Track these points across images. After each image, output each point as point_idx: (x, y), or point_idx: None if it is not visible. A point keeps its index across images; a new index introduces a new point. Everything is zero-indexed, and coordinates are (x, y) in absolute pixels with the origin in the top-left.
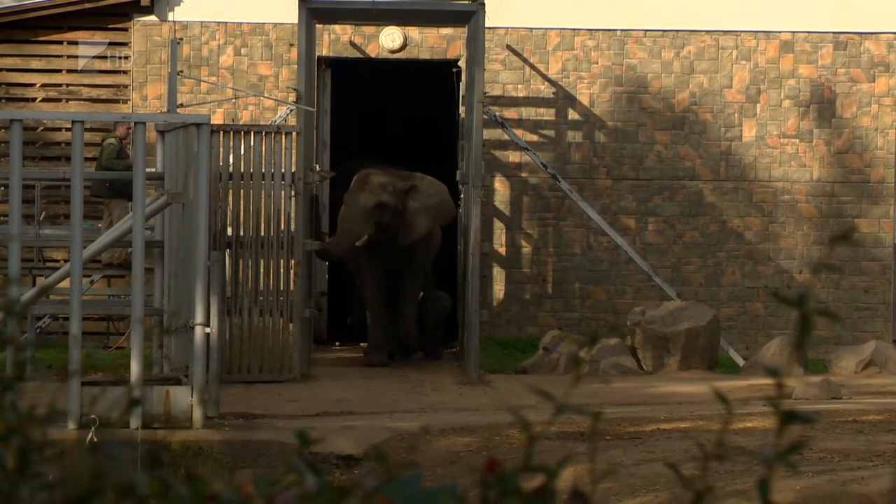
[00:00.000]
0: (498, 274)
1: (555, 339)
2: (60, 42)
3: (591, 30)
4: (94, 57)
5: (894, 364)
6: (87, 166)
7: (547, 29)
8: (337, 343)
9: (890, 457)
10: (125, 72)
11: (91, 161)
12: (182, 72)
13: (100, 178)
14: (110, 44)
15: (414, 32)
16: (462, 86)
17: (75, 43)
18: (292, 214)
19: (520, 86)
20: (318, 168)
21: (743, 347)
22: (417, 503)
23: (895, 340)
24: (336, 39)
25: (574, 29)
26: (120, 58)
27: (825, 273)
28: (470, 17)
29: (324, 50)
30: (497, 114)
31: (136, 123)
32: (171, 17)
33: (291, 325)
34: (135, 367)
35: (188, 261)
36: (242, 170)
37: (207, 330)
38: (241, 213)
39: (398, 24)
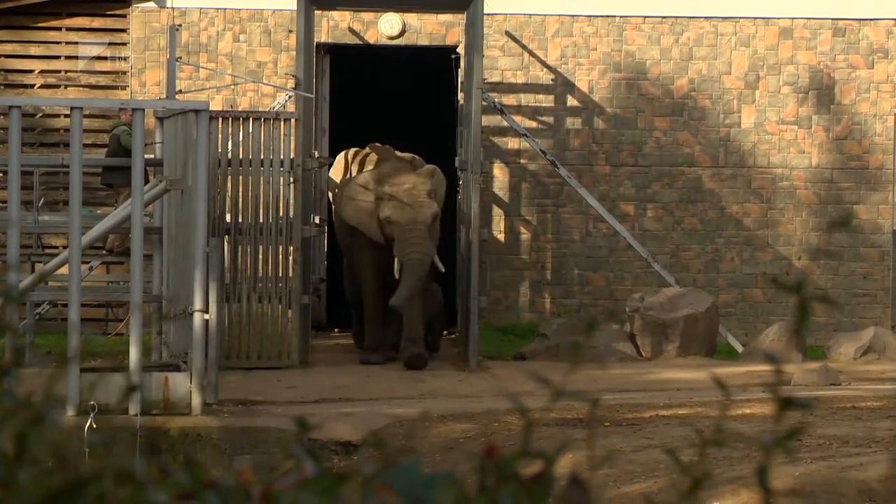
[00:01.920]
0: (497, 260)
1: (553, 326)
2: (59, 28)
3: (590, 16)
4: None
5: (893, 350)
6: (87, 153)
7: (546, 15)
8: (336, 329)
9: (888, 443)
10: (124, 58)
11: (90, 147)
12: (181, 58)
13: (103, 165)
14: (110, 30)
15: (413, 19)
16: (461, 72)
17: (74, 29)
18: (291, 201)
19: (518, 72)
20: (316, 154)
21: (742, 334)
22: (416, 490)
23: (894, 326)
24: (335, 26)
25: (573, 15)
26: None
27: (824, 259)
28: (469, 4)
29: (322, 36)
30: (496, 100)
31: (134, 110)
32: (169, 3)
33: (290, 312)
34: (133, 354)
35: (187, 247)
36: (241, 156)
37: (206, 316)
38: (240, 199)
39: (397, 11)
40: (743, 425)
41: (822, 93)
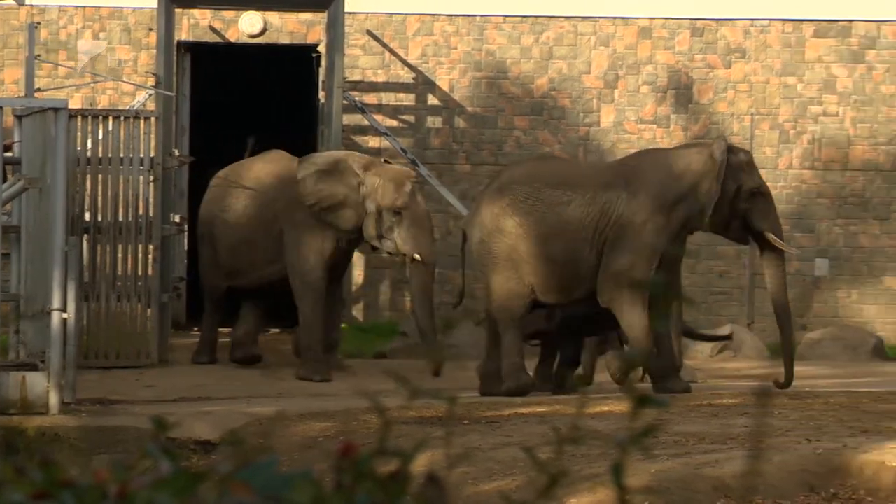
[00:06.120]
0: (357, 259)
1: (413, 325)
2: None
3: (451, 15)
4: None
5: (749, 348)
6: None
7: (407, 14)
8: (195, 328)
9: (743, 440)
10: None
11: None
12: (39, 56)
13: None
14: None
15: (274, 17)
16: (322, 71)
17: None
18: (151, 199)
19: (379, 71)
20: (177, 153)
21: None
22: (272, 488)
23: (750, 324)
24: (195, 24)
25: (434, 14)
26: None
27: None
28: (330, 3)
29: (183, 34)
30: (357, 99)
31: None
32: (28, 0)
33: (149, 311)
34: None
35: (45, 246)
36: (101, 154)
37: (64, 315)
38: (100, 198)
39: (258, 9)
40: (600, 423)
41: (681, 92)
